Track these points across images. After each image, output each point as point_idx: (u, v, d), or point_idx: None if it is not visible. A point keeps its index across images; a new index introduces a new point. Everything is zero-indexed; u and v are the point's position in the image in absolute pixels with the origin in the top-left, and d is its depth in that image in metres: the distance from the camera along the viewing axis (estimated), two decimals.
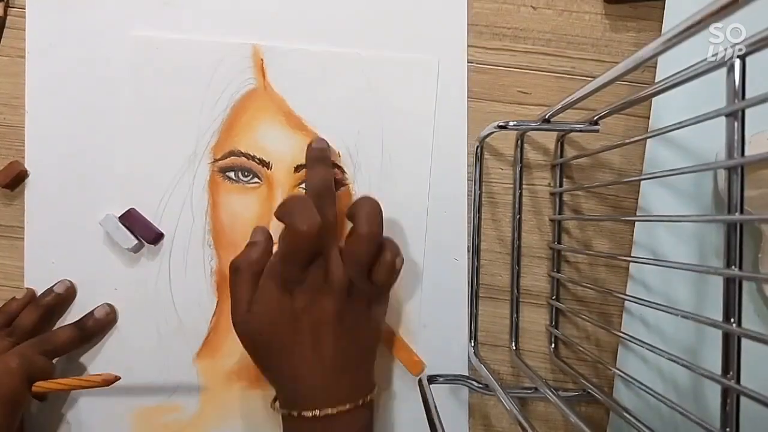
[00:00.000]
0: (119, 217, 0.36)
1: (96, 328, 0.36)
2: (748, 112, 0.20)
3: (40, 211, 0.37)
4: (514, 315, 0.37)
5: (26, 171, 0.37)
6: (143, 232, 0.36)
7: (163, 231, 0.37)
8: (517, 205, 0.37)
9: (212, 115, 0.37)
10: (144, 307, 0.37)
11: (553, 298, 0.37)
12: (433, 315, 0.37)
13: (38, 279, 0.37)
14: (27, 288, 0.37)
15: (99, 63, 0.37)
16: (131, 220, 0.36)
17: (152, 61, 0.37)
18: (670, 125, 0.24)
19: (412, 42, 0.37)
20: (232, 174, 0.37)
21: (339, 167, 0.37)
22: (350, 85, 0.37)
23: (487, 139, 0.36)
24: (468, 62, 0.37)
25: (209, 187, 0.37)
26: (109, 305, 0.37)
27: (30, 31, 0.37)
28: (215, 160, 0.37)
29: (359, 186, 0.37)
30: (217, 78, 0.37)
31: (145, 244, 0.37)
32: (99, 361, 0.37)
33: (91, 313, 0.36)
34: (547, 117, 0.31)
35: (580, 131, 0.35)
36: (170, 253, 0.37)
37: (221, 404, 0.37)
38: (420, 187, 0.37)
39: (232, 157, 0.37)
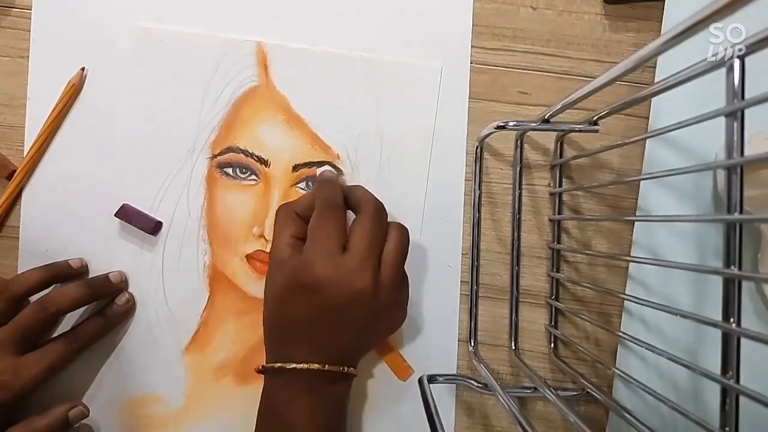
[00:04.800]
0: (114, 214, 0.36)
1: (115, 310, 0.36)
2: (747, 112, 0.20)
3: (36, 209, 0.37)
4: (514, 315, 0.37)
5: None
6: (141, 223, 0.36)
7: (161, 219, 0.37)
8: (516, 205, 0.37)
9: (213, 110, 0.37)
10: (135, 298, 0.37)
11: (553, 297, 0.37)
12: (422, 320, 0.37)
13: None
14: (81, 258, 0.36)
15: (102, 53, 0.37)
16: (127, 215, 0.36)
17: (155, 52, 0.37)
18: (670, 125, 0.24)
19: (415, 44, 0.37)
20: (230, 170, 0.37)
21: (337, 168, 0.37)
22: (352, 87, 0.37)
23: (487, 139, 0.36)
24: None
25: (206, 183, 0.37)
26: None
27: (36, 20, 0.37)
28: (214, 156, 0.37)
29: None
30: (220, 73, 0.37)
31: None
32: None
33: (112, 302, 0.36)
34: (546, 117, 0.31)
35: (580, 131, 0.35)
36: (164, 246, 0.37)
37: (207, 398, 0.37)
38: (416, 193, 0.37)
39: (231, 154, 0.37)
